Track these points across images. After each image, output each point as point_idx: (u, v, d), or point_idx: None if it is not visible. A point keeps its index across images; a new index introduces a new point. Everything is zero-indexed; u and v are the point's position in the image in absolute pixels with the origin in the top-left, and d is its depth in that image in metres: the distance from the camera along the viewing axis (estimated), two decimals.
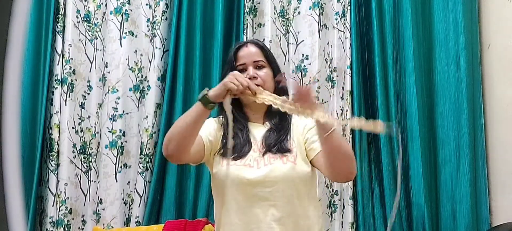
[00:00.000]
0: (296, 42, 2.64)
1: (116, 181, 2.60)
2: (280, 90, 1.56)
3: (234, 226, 1.48)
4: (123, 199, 2.61)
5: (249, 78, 1.48)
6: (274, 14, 2.65)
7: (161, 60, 2.68)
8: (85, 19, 2.73)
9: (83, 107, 2.68)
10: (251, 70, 1.51)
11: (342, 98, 2.58)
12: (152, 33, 2.70)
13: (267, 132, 1.53)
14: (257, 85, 1.49)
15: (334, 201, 2.54)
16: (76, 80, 2.68)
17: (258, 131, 1.54)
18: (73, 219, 2.59)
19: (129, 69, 2.69)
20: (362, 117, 2.53)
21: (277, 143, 1.49)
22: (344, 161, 1.40)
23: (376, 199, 2.51)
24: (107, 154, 2.61)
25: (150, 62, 2.68)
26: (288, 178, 1.46)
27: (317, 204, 1.61)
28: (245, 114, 1.56)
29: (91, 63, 2.72)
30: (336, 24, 2.61)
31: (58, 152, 2.59)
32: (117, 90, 2.65)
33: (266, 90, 1.50)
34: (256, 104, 1.48)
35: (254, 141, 1.53)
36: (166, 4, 2.71)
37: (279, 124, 1.51)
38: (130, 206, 2.61)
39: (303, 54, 2.64)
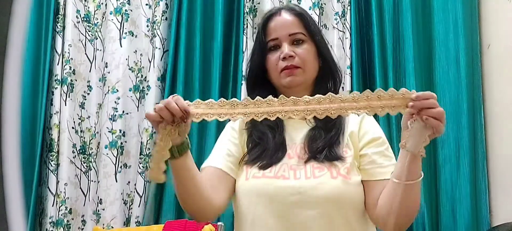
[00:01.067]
0: None
1: (116, 181, 2.60)
2: (323, 78, 1.18)
3: None
4: (123, 199, 2.61)
5: (284, 58, 1.14)
6: None
7: (161, 60, 2.68)
8: (85, 19, 2.73)
9: (83, 108, 2.68)
10: (286, 47, 1.14)
11: None
12: (152, 33, 2.70)
13: (311, 131, 1.14)
14: (296, 66, 1.13)
15: None
16: (76, 80, 2.68)
17: (297, 129, 1.16)
18: (73, 219, 2.59)
19: (129, 69, 2.69)
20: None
21: (326, 147, 1.10)
22: (411, 219, 1.05)
23: None
24: (107, 154, 2.61)
25: (150, 62, 2.68)
26: (338, 198, 1.06)
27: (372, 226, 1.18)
28: None
29: (91, 63, 2.72)
30: (336, 24, 2.61)
31: (58, 152, 2.58)
32: (117, 91, 2.65)
33: (306, 72, 1.14)
34: (297, 91, 1.13)
35: (291, 144, 1.15)
36: (166, 4, 2.71)
37: (329, 120, 1.02)
38: (130, 206, 2.61)
39: None
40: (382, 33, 2.57)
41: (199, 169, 1.15)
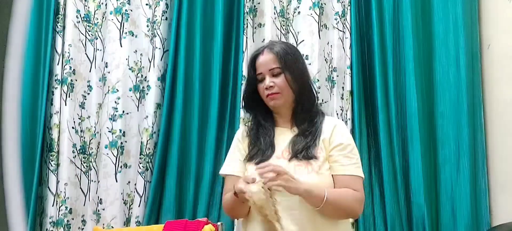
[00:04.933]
0: (296, 42, 2.64)
1: (116, 181, 2.60)
2: (301, 97, 1.54)
3: None
4: (123, 199, 2.61)
5: (266, 88, 1.52)
6: (274, 14, 2.65)
7: (161, 60, 2.68)
8: (85, 19, 2.73)
9: (83, 107, 2.68)
10: (267, 79, 1.52)
11: (342, 98, 2.58)
12: (152, 33, 2.70)
13: (294, 137, 1.52)
14: (276, 93, 1.52)
15: None
16: (76, 80, 2.68)
17: (284, 136, 1.54)
18: (73, 219, 2.59)
19: (129, 69, 2.69)
20: (362, 116, 2.54)
21: (304, 149, 1.47)
22: (342, 215, 1.47)
23: (376, 199, 2.50)
24: (107, 154, 2.61)
25: (150, 62, 2.68)
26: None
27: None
28: (274, 119, 1.58)
29: (91, 63, 2.73)
30: (336, 24, 2.61)
31: (58, 152, 2.59)
32: (117, 90, 2.65)
33: (285, 97, 1.52)
34: (282, 109, 1.54)
35: (279, 146, 1.52)
36: (166, 4, 2.71)
37: (307, 129, 1.50)
38: (130, 206, 2.61)
39: (303, 54, 2.63)
40: (382, 33, 2.57)
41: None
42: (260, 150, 1.51)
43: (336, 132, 1.50)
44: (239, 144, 1.60)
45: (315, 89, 1.60)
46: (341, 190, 1.45)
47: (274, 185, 1.31)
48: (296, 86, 1.52)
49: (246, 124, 1.64)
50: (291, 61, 1.54)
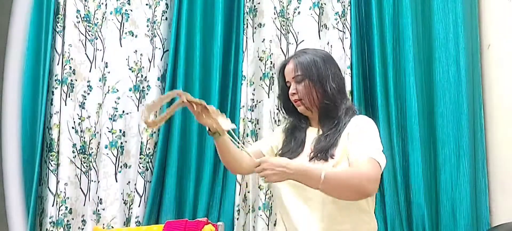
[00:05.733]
0: (296, 42, 2.64)
1: (116, 181, 2.60)
2: (326, 98, 1.61)
3: (282, 223, 1.63)
4: (123, 199, 2.61)
5: (291, 95, 1.66)
6: (274, 14, 2.65)
7: (161, 60, 2.68)
8: (85, 19, 2.73)
9: (83, 107, 2.68)
10: (291, 87, 1.65)
11: None
12: (152, 33, 2.70)
13: (318, 137, 1.63)
14: (299, 99, 1.65)
15: None
16: (76, 80, 2.68)
17: (312, 135, 1.66)
18: (73, 219, 2.59)
19: (129, 69, 2.69)
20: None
21: (323, 150, 1.55)
22: (350, 195, 1.45)
23: (376, 199, 2.50)
24: (107, 154, 2.61)
25: (150, 62, 2.68)
26: None
27: (367, 212, 1.60)
28: (308, 118, 1.70)
29: (91, 63, 2.73)
30: (336, 24, 2.61)
31: (58, 152, 2.59)
32: (117, 90, 2.65)
33: (308, 102, 1.64)
34: (310, 112, 1.66)
35: (308, 145, 1.64)
36: (166, 4, 2.71)
37: (329, 130, 1.58)
38: (130, 206, 2.61)
39: None
40: (382, 33, 2.57)
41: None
42: (291, 148, 1.65)
43: (353, 128, 1.57)
44: (275, 134, 1.80)
45: (335, 93, 1.63)
46: (344, 168, 1.48)
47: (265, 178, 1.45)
48: (317, 93, 1.62)
49: (286, 124, 1.78)
50: (309, 69, 1.63)
